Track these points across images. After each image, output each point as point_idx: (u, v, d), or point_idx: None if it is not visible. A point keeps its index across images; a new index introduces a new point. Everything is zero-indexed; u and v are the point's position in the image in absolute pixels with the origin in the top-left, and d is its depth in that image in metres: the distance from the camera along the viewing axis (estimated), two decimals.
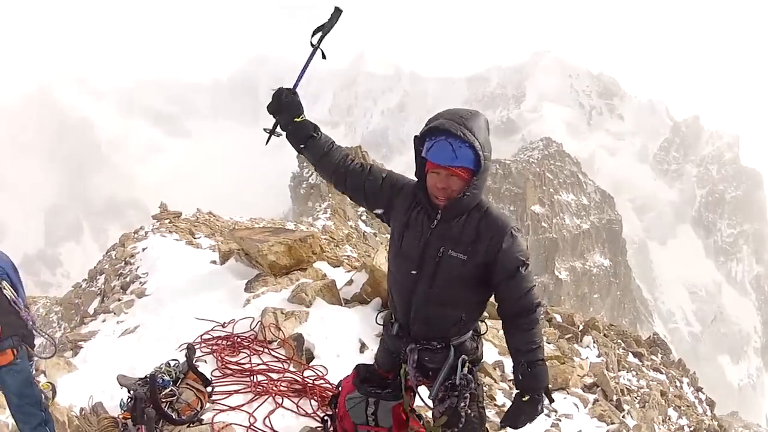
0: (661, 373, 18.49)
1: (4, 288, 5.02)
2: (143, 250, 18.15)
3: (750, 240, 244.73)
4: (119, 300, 12.75)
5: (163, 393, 6.01)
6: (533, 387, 3.93)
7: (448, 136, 3.67)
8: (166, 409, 5.83)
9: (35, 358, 5.84)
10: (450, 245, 3.83)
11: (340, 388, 4.99)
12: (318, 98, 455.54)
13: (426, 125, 3.85)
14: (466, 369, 4.07)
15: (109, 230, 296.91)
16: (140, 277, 14.51)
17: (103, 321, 12.12)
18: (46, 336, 5.75)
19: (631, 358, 18.30)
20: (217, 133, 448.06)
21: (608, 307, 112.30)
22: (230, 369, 7.12)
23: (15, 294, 5.12)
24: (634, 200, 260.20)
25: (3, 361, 5.10)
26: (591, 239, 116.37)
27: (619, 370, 15.18)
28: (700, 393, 20.98)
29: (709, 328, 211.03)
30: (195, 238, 19.99)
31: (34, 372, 5.77)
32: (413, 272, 3.94)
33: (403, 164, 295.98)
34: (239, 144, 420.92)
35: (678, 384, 19.23)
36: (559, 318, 17.15)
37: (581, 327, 16.89)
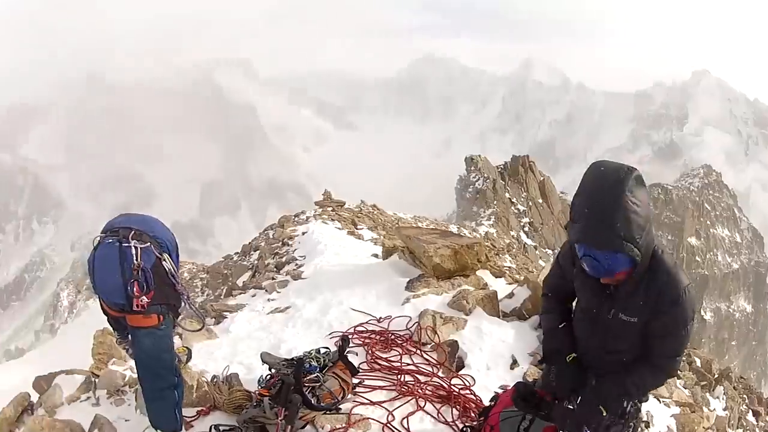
0: None
1: (165, 260, 5.24)
2: (303, 233, 18.48)
3: None
4: (273, 279, 12.80)
5: (308, 378, 6.05)
6: (597, 395, 4.09)
7: (594, 251, 3.61)
8: (306, 393, 5.89)
9: (180, 329, 6.41)
10: (620, 309, 3.90)
11: (493, 402, 5.00)
12: (487, 103, 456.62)
13: (570, 212, 3.70)
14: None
15: (267, 210, 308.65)
16: (297, 260, 14.64)
17: (253, 296, 12.28)
18: (197, 311, 5.93)
19: (750, 416, 17.59)
20: (384, 129, 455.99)
21: (742, 357, 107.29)
22: (379, 364, 7.06)
23: (175, 268, 5.35)
24: None
25: (147, 323, 5.26)
26: (739, 281, 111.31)
27: (737, 428, 14.57)
28: None
29: None
30: (357, 229, 20.10)
31: (174, 339, 6.05)
32: (589, 326, 4.15)
33: (568, 179, 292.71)
34: (407, 141, 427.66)
35: None
36: (698, 362, 16.56)
37: (716, 375, 16.29)
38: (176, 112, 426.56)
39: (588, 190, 3.54)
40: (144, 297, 5.04)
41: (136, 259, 5.02)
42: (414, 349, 7.28)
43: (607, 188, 3.45)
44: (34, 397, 8.20)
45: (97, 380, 7.89)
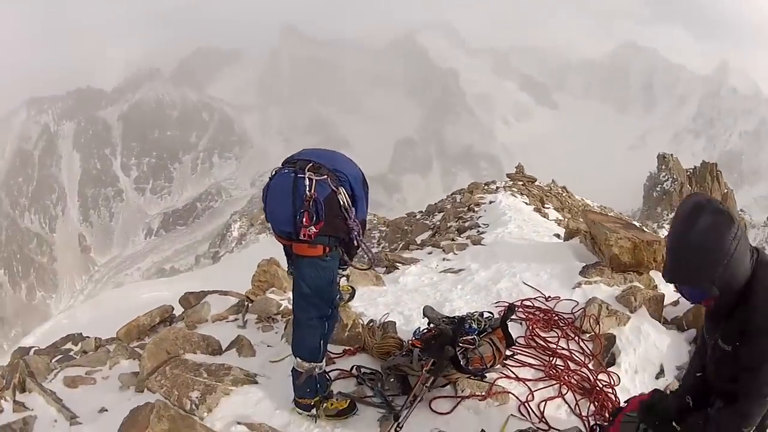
0: None
1: (340, 194, 5.29)
2: (490, 202, 18.71)
3: None
4: (453, 240, 12.98)
5: (464, 338, 6.06)
6: None
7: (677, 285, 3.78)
8: (459, 353, 5.90)
9: (349, 267, 6.22)
10: (719, 336, 3.86)
11: (626, 403, 4.96)
12: (684, 102, 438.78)
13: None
14: None
15: (458, 175, 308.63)
16: (480, 227, 14.91)
17: (429, 253, 12.56)
18: (366, 248, 5.95)
19: None
20: (585, 113, 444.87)
21: None
22: (535, 342, 7.11)
23: (349, 202, 5.39)
24: None
25: (311, 253, 5.37)
26: None
27: None
28: None
29: None
30: (544, 207, 20.16)
31: (339, 275, 6.11)
32: (705, 353, 4.15)
33: (749, 197, 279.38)
34: (606, 129, 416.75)
35: None
36: None
37: None
38: (375, 69, 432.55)
39: (672, 224, 3.68)
40: (312, 227, 5.16)
41: (309, 190, 5.13)
42: (573, 335, 7.26)
43: (680, 224, 3.56)
44: (178, 311, 8.79)
45: (250, 305, 8.27)
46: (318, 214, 5.15)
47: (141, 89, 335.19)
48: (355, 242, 5.64)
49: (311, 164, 5.27)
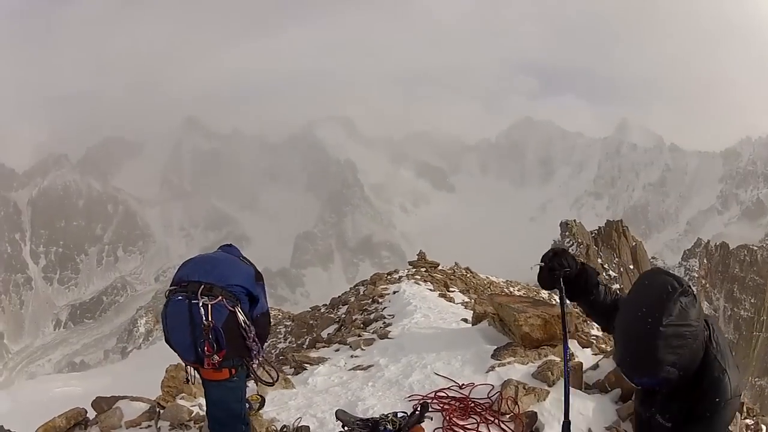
0: None
1: (238, 313, 5.25)
2: (394, 292, 18.69)
3: None
4: (359, 336, 12.89)
5: None
6: None
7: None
8: None
9: (254, 381, 6.17)
10: (658, 410, 3.65)
11: None
12: (584, 167, 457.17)
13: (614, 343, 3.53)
14: None
15: (360, 266, 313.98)
16: (385, 318, 14.81)
17: (336, 350, 12.40)
18: (273, 367, 6.20)
19: None
20: (484, 192, 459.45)
21: None
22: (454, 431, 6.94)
23: (248, 321, 5.34)
24: None
25: (217, 377, 5.35)
26: None
27: None
28: None
29: None
30: (449, 292, 20.20)
31: (247, 387, 6.08)
32: (637, 425, 3.98)
33: (659, 243, 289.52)
34: (504, 204, 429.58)
35: None
36: (765, 430, 16.02)
37: None
38: (274, 163, 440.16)
39: (629, 309, 3.29)
40: (215, 356, 5.07)
41: (206, 319, 5.02)
42: (492, 419, 7.16)
43: (645, 314, 3.16)
44: (91, 414, 8.47)
45: (161, 411, 8.09)
46: (219, 342, 5.09)
47: (49, 175, 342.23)
48: (256, 361, 5.64)
49: (203, 286, 5.17)
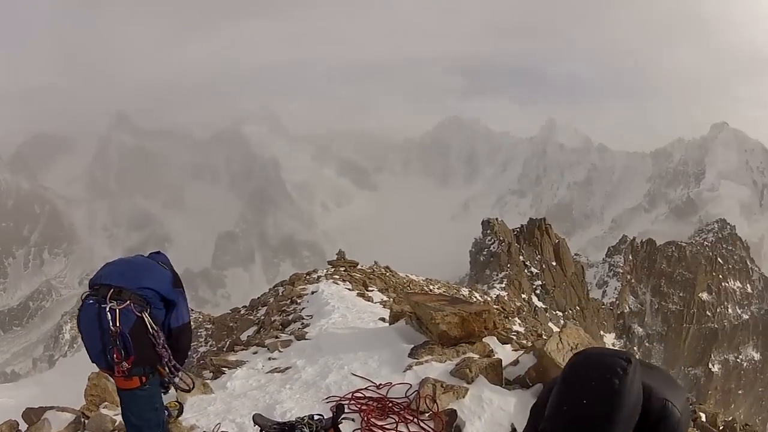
0: None
1: (146, 318, 5.15)
2: (312, 293, 18.71)
3: None
4: (276, 337, 12.87)
5: None
6: None
7: None
8: None
9: (171, 387, 6.04)
10: None
11: None
12: (507, 166, 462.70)
13: (547, 405, 2.96)
14: None
15: (281, 266, 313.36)
16: (303, 319, 14.85)
17: (254, 353, 12.31)
18: (188, 374, 6.11)
19: None
20: (407, 191, 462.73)
21: (747, 404, 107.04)
22: None
23: (155, 328, 5.23)
24: None
25: (128, 386, 5.25)
26: (748, 331, 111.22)
27: None
28: None
29: None
30: (368, 291, 20.35)
31: (163, 395, 5.97)
32: None
33: (583, 240, 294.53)
34: (427, 204, 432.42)
35: None
36: (703, 417, 16.84)
37: (721, 428, 16.87)
38: (200, 160, 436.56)
39: (572, 396, 2.82)
40: (124, 362, 4.97)
41: (113, 325, 4.92)
42: (411, 418, 7.11)
43: (594, 403, 2.75)
44: (23, 426, 8.42)
45: (86, 421, 8.00)
46: (127, 348, 4.99)
47: None
48: (167, 369, 5.49)
49: (113, 290, 5.07)
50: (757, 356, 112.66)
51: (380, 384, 8.10)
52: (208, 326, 30.47)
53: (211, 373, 11.07)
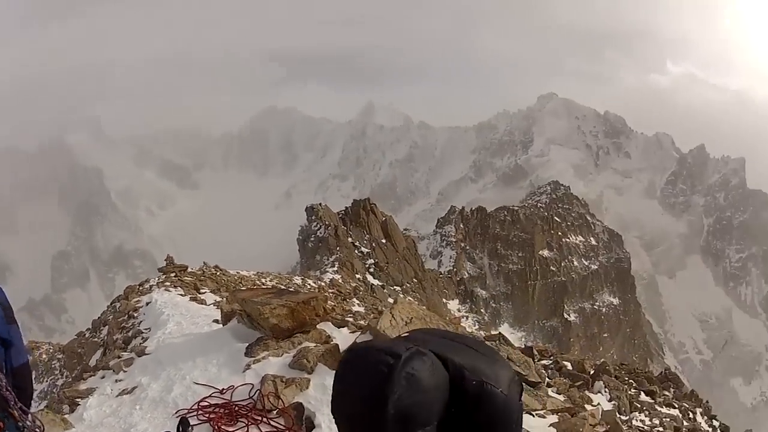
0: (674, 407, 18.74)
1: None
2: (147, 304, 18.14)
3: (759, 262, 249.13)
4: (119, 357, 12.65)
5: None
6: None
7: None
8: None
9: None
10: None
11: None
12: (327, 151, 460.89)
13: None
14: None
15: (116, 279, 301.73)
16: (142, 333, 14.50)
17: (102, 377, 11.90)
18: (34, 415, 5.32)
19: (643, 396, 18.39)
20: (228, 186, 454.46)
21: (618, 345, 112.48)
22: None
23: None
24: (643, 237, 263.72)
25: None
26: (600, 279, 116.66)
27: (631, 412, 15.25)
28: (713, 421, 21.14)
29: (721, 353, 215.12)
30: (200, 294, 20.10)
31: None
32: None
33: (411, 215, 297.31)
34: (249, 196, 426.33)
35: (691, 416, 19.36)
36: (569, 365, 17.26)
37: (592, 372, 17.02)
38: (29, 176, 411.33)
39: (342, 394, 2.53)
40: None
41: None
42: (260, 418, 7.19)
43: (366, 399, 2.45)
44: None
45: None
46: None
47: None
48: (16, 412, 4.80)
49: None
50: (615, 301, 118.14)
51: (223, 389, 8.11)
52: (60, 356, 29.35)
53: (68, 406, 10.61)
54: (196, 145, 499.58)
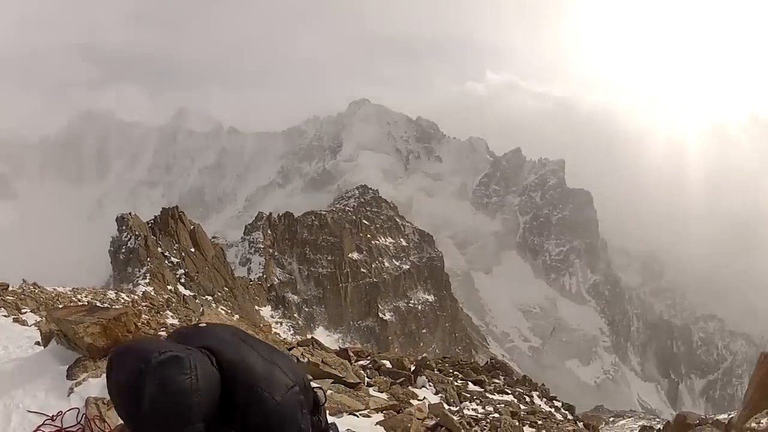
0: (507, 393, 19.31)
1: None
2: None
3: (582, 254, 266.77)
4: None
5: None
6: None
7: None
8: None
9: None
10: None
11: None
12: (138, 157, 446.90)
13: None
14: None
15: None
16: None
17: None
18: None
19: (472, 386, 19.01)
20: (44, 194, 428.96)
21: (439, 340, 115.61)
22: None
23: None
24: (455, 236, 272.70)
25: None
26: (413, 278, 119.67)
27: (461, 402, 15.91)
28: (554, 401, 22.03)
29: (550, 339, 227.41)
30: (21, 314, 19.30)
31: None
32: None
33: (220, 223, 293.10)
34: (64, 206, 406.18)
35: (528, 399, 20.04)
36: (388, 364, 17.51)
37: (413, 368, 17.42)
38: None
39: (111, 396, 3.06)
40: None
41: None
42: None
43: (124, 400, 2.88)
44: None
45: None
46: None
47: None
48: None
49: None
50: (430, 298, 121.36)
51: (53, 416, 7.86)
52: None
53: None
54: (14, 152, 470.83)
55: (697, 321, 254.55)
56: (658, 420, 58.19)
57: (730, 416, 31.74)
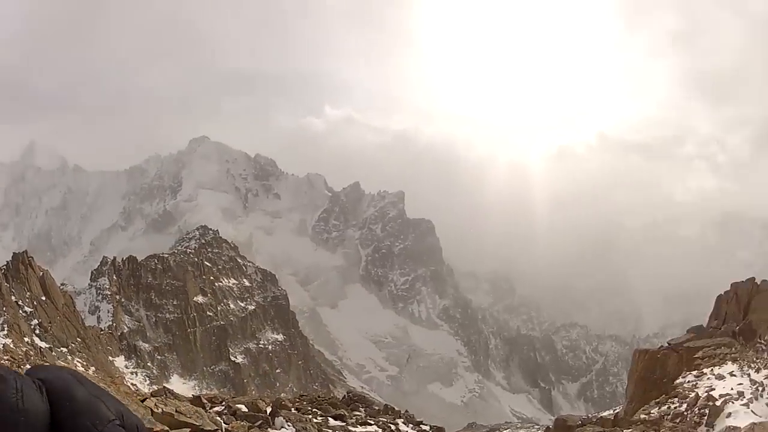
0: (371, 424, 19.10)
1: None
2: None
3: (428, 281, 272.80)
4: None
5: None
6: None
7: None
8: None
9: None
10: None
11: None
12: None
13: None
14: None
15: None
16: None
17: None
18: None
19: (332, 421, 18.72)
20: None
21: (295, 379, 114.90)
22: None
23: None
24: (297, 273, 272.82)
25: None
26: (259, 318, 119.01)
27: None
28: (421, 425, 21.93)
29: (407, 366, 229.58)
30: None
31: None
32: None
33: (67, 268, 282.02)
34: None
35: (393, 428, 19.88)
36: (244, 408, 17.25)
37: (269, 410, 17.21)
38: None
39: None
40: None
41: None
42: None
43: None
44: None
45: None
46: None
47: None
48: None
49: None
50: (279, 337, 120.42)
51: None
52: None
53: None
54: None
55: (558, 330, 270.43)
56: (537, 426, 59.98)
57: (616, 411, 33.36)
